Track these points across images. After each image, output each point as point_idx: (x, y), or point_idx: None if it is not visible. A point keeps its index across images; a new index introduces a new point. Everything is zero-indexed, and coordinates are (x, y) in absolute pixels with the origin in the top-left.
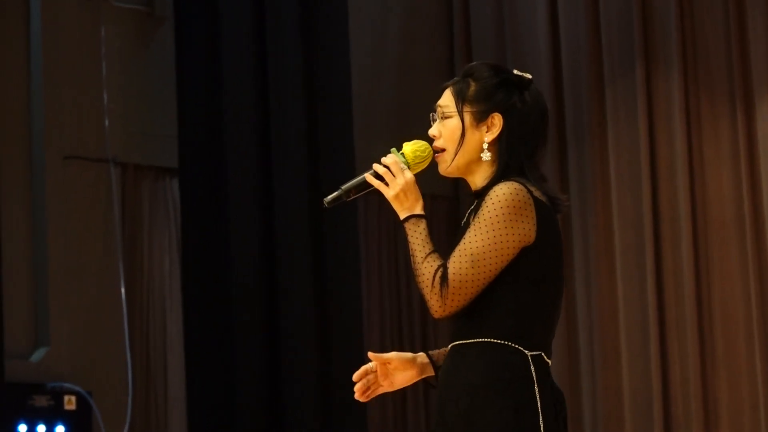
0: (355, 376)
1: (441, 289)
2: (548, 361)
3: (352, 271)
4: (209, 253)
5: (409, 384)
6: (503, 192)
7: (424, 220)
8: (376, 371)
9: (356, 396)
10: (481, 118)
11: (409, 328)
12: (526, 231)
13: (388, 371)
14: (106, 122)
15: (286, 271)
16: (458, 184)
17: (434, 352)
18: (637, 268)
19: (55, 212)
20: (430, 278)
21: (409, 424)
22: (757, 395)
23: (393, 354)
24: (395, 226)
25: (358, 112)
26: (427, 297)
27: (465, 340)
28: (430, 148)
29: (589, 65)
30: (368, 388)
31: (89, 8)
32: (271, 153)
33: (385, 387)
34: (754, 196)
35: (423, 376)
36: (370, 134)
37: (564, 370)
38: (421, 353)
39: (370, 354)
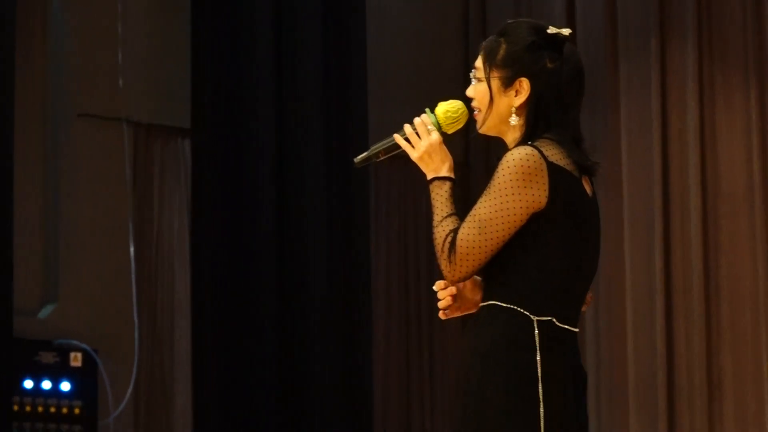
0: (436, 284)
1: (449, 255)
2: (565, 327)
3: (363, 232)
4: (219, 214)
5: (473, 310)
6: (513, 158)
7: (448, 182)
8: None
9: (440, 305)
10: (508, 83)
11: (417, 301)
12: (535, 197)
13: (459, 291)
14: (120, 81)
15: (298, 233)
16: (469, 150)
17: None
18: (645, 237)
19: (67, 169)
20: (441, 243)
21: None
22: (761, 366)
23: None
24: (405, 193)
25: (372, 80)
26: (438, 261)
27: (482, 302)
28: (465, 108)
29: (604, 35)
30: (449, 305)
31: None
32: (284, 116)
33: (459, 310)
34: (765, 170)
35: None
36: (385, 101)
37: None
38: None
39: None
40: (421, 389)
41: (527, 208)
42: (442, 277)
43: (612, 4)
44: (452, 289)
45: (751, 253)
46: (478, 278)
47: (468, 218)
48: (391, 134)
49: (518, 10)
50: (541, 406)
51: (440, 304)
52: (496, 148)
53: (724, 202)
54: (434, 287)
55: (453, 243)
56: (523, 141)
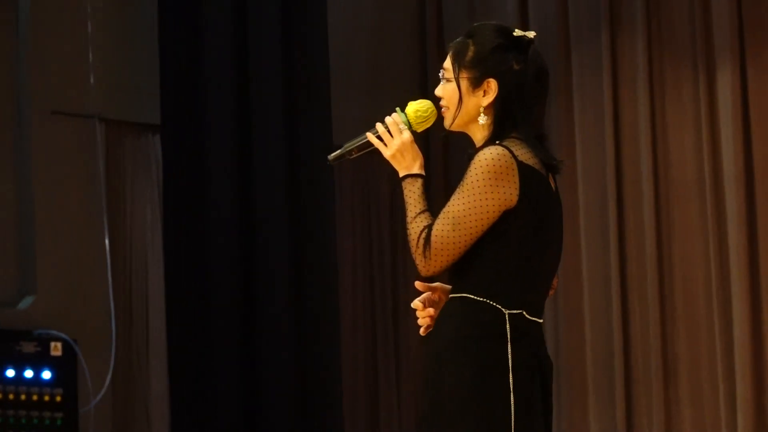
0: (414, 303)
1: (424, 250)
2: (532, 319)
3: (328, 227)
4: (190, 207)
5: None
6: (486, 157)
7: (420, 180)
8: (436, 301)
9: (420, 323)
10: (476, 83)
11: (381, 287)
12: (507, 195)
13: (433, 303)
14: (91, 79)
15: (264, 224)
16: (429, 144)
17: None
18: (599, 227)
19: (40, 166)
20: (416, 238)
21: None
22: (715, 352)
23: (437, 284)
24: (369, 189)
25: (335, 72)
26: (413, 256)
27: (451, 294)
28: (434, 108)
29: (555, 29)
30: (429, 325)
31: None
32: (249, 110)
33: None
34: (715, 159)
35: None
36: (343, 96)
37: None
38: None
39: (417, 283)
40: (388, 386)
41: (499, 205)
42: (408, 272)
43: None
44: (430, 311)
45: (703, 240)
46: (448, 287)
47: (442, 215)
48: (355, 130)
49: (472, 5)
50: (512, 394)
51: (420, 322)
52: (455, 143)
53: (676, 190)
54: (412, 305)
55: (428, 238)
56: (491, 139)
